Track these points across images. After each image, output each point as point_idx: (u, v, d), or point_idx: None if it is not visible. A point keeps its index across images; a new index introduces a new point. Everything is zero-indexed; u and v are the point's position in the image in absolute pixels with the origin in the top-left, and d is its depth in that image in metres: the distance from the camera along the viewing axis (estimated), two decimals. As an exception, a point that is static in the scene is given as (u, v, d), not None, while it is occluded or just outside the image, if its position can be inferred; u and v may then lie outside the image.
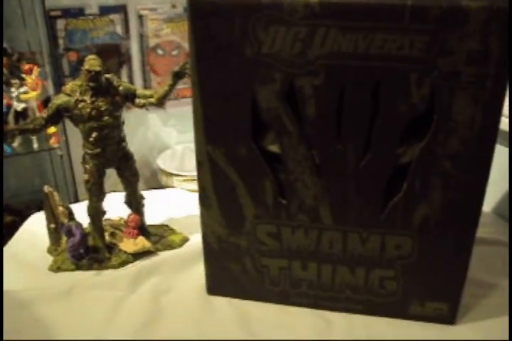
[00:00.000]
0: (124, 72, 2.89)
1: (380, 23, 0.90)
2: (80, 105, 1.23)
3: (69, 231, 1.33)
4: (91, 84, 1.22)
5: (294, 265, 1.15)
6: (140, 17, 2.86)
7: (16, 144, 2.39)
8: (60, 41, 2.67)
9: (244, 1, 0.94)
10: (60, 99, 1.24)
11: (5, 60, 2.43)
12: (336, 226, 1.08)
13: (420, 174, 1.00)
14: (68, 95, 1.24)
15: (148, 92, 1.30)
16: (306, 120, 1.00)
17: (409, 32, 0.89)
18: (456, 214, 1.03)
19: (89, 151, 1.28)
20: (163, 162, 2.92)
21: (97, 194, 1.33)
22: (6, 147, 2.37)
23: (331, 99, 0.97)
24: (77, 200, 2.55)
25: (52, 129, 2.38)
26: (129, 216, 1.39)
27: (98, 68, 1.21)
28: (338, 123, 0.99)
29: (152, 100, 1.28)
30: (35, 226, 1.55)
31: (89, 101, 1.23)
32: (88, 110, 1.23)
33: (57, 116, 1.25)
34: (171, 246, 1.41)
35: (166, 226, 1.49)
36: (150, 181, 3.10)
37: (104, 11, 2.76)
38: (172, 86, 1.28)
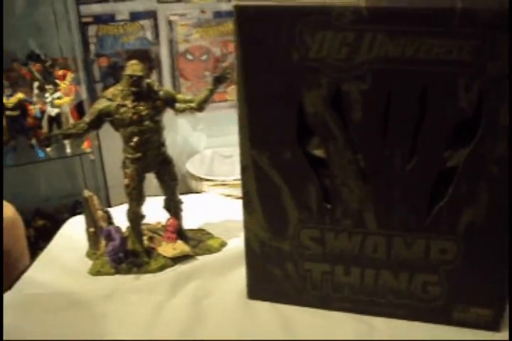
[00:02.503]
0: (153, 77, 2.90)
1: (429, 27, 0.89)
2: (122, 110, 1.24)
3: (108, 235, 1.34)
4: (133, 89, 1.23)
5: (336, 269, 1.14)
6: (170, 22, 2.87)
7: (49, 149, 2.40)
8: (91, 47, 2.68)
9: (291, 6, 0.94)
10: (101, 104, 1.25)
11: (38, 66, 2.45)
12: (380, 231, 1.08)
13: (467, 178, 1.00)
14: (110, 100, 1.25)
15: (188, 97, 1.30)
16: (352, 124, 0.99)
17: (458, 36, 0.89)
18: (501, 219, 1.02)
19: (130, 156, 1.29)
20: (192, 167, 2.93)
21: (136, 198, 1.33)
22: (39, 151, 2.39)
23: (378, 104, 0.97)
24: (109, 205, 2.56)
25: (84, 134, 2.39)
26: (167, 220, 1.39)
27: (140, 73, 1.22)
28: (384, 127, 0.99)
29: (193, 105, 1.29)
30: (73, 230, 1.56)
31: (130, 106, 1.23)
32: (129, 115, 1.24)
33: (98, 121, 1.25)
34: (209, 251, 1.41)
35: (204, 230, 1.49)
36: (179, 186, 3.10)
37: (135, 16, 2.78)
38: (212, 91, 1.28)
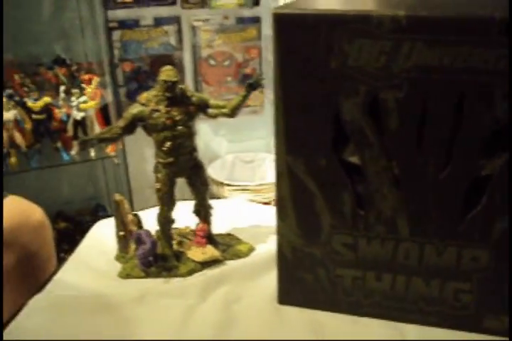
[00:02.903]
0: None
1: (467, 36, 0.90)
2: (155, 115, 1.25)
3: (139, 239, 1.36)
4: (167, 94, 1.24)
5: (368, 275, 1.15)
6: (193, 28, 2.90)
7: (73, 152, 2.43)
8: (115, 52, 2.71)
9: (330, 14, 0.95)
10: (135, 109, 1.26)
11: (64, 70, 2.48)
12: (412, 238, 1.08)
13: (501, 187, 1.00)
14: (143, 105, 1.26)
15: (221, 103, 1.32)
16: (388, 132, 1.00)
17: (495, 45, 0.89)
18: (535, 227, 1.02)
19: (162, 160, 1.30)
20: (213, 171, 2.95)
21: (167, 203, 1.35)
22: (64, 154, 2.41)
23: (414, 112, 0.97)
24: (132, 209, 2.58)
25: (108, 138, 2.41)
26: (197, 225, 1.41)
27: (175, 79, 1.23)
28: (420, 135, 0.99)
29: (225, 111, 1.30)
30: (101, 233, 1.57)
31: (164, 111, 1.25)
32: (163, 120, 1.25)
33: (132, 126, 1.27)
34: (238, 256, 1.42)
35: (232, 235, 1.50)
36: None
37: (159, 22, 2.81)
38: (245, 97, 1.29)
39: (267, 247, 1.45)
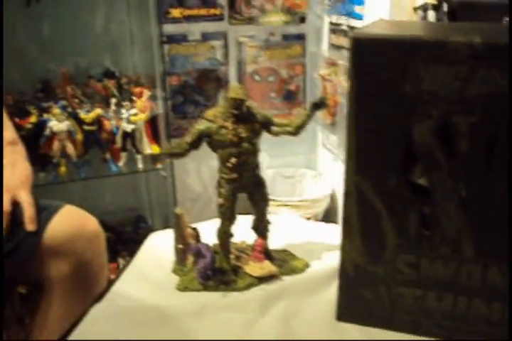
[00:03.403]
0: (220, 96, 2.96)
1: (542, 63, 0.92)
2: (222, 131, 1.28)
3: (198, 253, 1.38)
4: (234, 111, 1.27)
5: (429, 295, 1.16)
6: (239, 44, 2.93)
7: (121, 163, 2.47)
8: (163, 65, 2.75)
9: (407, 39, 0.98)
10: (202, 125, 1.29)
11: (112, 82, 2.52)
12: (476, 259, 1.10)
13: None
14: (210, 121, 1.29)
15: (285, 121, 1.34)
16: (458, 155, 1.02)
17: None
18: None
19: (226, 176, 1.33)
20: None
21: (229, 218, 1.37)
22: (112, 166, 2.45)
23: (485, 136, 0.99)
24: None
25: (156, 150, 2.45)
26: (256, 240, 1.43)
27: (243, 97, 1.26)
28: (488, 157, 1.01)
29: (289, 129, 1.33)
30: (156, 245, 1.60)
31: (230, 128, 1.28)
32: (229, 136, 1.28)
33: (198, 141, 1.30)
34: (293, 271, 1.44)
35: (287, 251, 1.52)
36: (240, 203, 3.15)
37: (206, 37, 2.85)
38: (309, 116, 1.32)
39: (322, 264, 1.47)
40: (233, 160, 1.30)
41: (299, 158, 3.23)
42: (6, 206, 1.30)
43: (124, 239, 2.83)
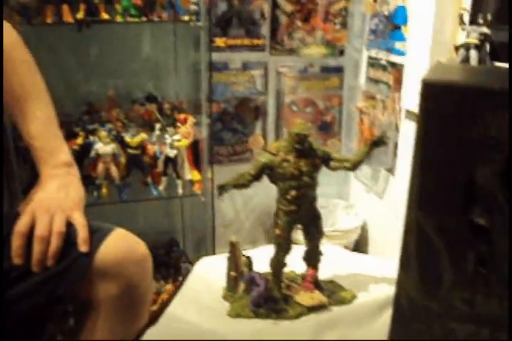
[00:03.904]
0: (258, 125, 3.01)
1: None
2: (284, 164, 1.32)
3: (252, 281, 1.42)
4: (297, 146, 1.32)
5: (483, 331, 1.19)
6: (278, 74, 2.98)
7: (161, 187, 2.52)
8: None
9: (476, 85, 1.02)
10: (265, 158, 1.34)
11: (154, 107, 2.58)
12: (532, 300, 1.12)
13: None
14: (273, 154, 1.34)
15: (343, 157, 1.39)
16: (521, 198, 1.05)
17: None
18: None
19: (284, 208, 1.37)
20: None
21: (284, 248, 1.41)
22: (152, 189, 2.50)
23: (549, 182, 1.03)
24: (213, 246, 2.66)
25: (197, 177, 2.50)
26: (307, 270, 1.47)
27: (307, 132, 1.31)
28: (551, 203, 1.04)
29: (347, 165, 1.37)
30: (205, 271, 1.64)
31: (292, 162, 1.32)
32: (291, 169, 1.32)
33: (261, 173, 1.34)
34: (342, 302, 1.47)
35: (334, 282, 1.56)
36: (270, 232, 3.19)
37: (247, 66, 2.90)
38: (367, 153, 1.36)
39: (369, 295, 1.50)
40: (293, 192, 1.34)
41: (332, 188, 3.27)
42: (61, 226, 1.32)
43: (156, 262, 2.86)
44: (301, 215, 1.37)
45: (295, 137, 1.31)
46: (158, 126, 2.48)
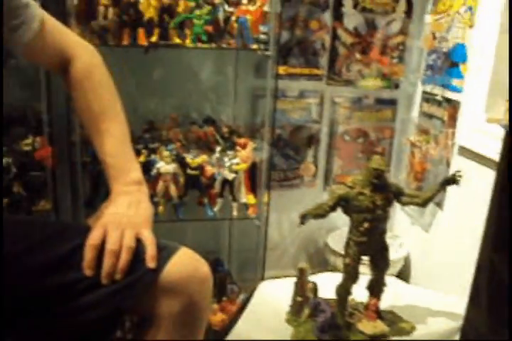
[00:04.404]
0: (310, 153, 3.07)
1: None
2: (360, 197, 1.39)
3: (317, 307, 1.48)
4: (374, 180, 1.38)
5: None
6: (334, 104, 3.05)
7: (216, 209, 2.58)
8: (260, 118, 2.88)
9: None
10: (342, 190, 1.41)
11: (211, 129, 2.66)
12: None
13: None
14: (350, 187, 1.40)
15: (414, 193, 1.45)
16: None
17: None
18: None
19: (356, 239, 1.44)
20: (332, 242, 3.05)
21: (352, 277, 1.47)
22: (208, 210, 2.57)
23: None
24: (263, 268, 2.71)
25: (252, 200, 2.57)
26: (370, 300, 1.52)
27: (384, 168, 1.37)
28: None
29: (418, 200, 1.43)
30: (268, 294, 1.70)
31: (368, 195, 1.38)
32: (366, 203, 1.39)
33: (337, 204, 1.41)
34: (401, 333, 1.53)
35: (393, 312, 1.61)
36: (313, 258, 3.26)
37: (303, 95, 2.97)
38: (438, 191, 1.43)
39: (428, 328, 1.55)
40: (366, 224, 1.41)
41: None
42: (131, 242, 1.36)
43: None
44: (370, 246, 1.44)
45: (373, 172, 1.37)
46: (218, 148, 2.55)
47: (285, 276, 2.99)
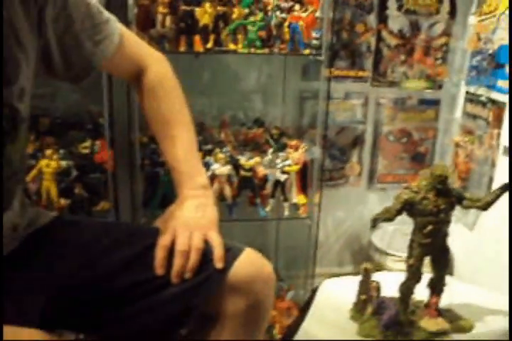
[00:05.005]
0: (355, 153, 3.14)
1: None
2: (424, 202, 1.46)
3: (382, 304, 1.55)
4: (438, 185, 1.46)
5: None
6: (378, 105, 3.11)
7: (268, 209, 2.66)
8: (305, 119, 2.96)
9: None
10: (407, 195, 1.48)
11: (261, 130, 2.74)
12: None
13: None
14: (415, 192, 1.48)
15: (475, 197, 1.52)
16: None
17: None
18: None
19: (420, 240, 1.51)
20: (376, 240, 3.12)
21: (416, 277, 1.55)
22: (260, 210, 2.64)
23: None
24: (313, 267, 2.79)
25: (303, 200, 2.64)
26: (431, 298, 1.59)
27: (448, 174, 1.45)
28: None
29: (479, 204, 1.50)
30: (330, 292, 1.78)
31: (432, 200, 1.46)
32: (430, 207, 1.46)
33: (403, 208, 1.49)
34: (461, 330, 1.60)
35: (451, 310, 1.68)
36: (357, 255, 3.33)
37: (348, 96, 3.03)
38: (499, 196, 1.49)
39: (486, 327, 1.62)
40: (430, 227, 1.48)
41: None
42: (200, 243, 1.42)
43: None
44: (433, 248, 1.51)
45: (437, 178, 1.45)
46: (270, 150, 2.62)
47: (331, 274, 3.09)
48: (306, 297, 2.48)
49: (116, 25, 1.48)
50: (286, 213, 2.68)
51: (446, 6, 3.06)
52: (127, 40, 1.50)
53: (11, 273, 1.33)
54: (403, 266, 2.90)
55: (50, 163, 2.33)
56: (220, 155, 2.51)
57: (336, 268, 3.38)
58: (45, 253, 1.40)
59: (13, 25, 1.22)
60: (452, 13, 3.07)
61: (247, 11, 2.43)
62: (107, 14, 1.46)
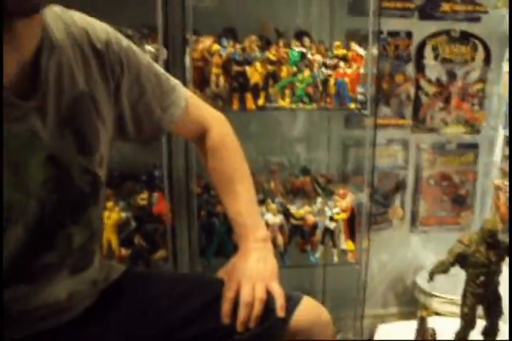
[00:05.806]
0: (397, 198, 3.24)
1: None
2: (476, 254, 1.58)
3: (440, 351, 1.66)
4: (489, 239, 1.57)
5: None
6: (418, 149, 3.21)
7: (317, 255, 2.76)
8: (349, 166, 3.08)
9: None
10: (459, 248, 1.60)
11: (308, 179, 2.85)
12: None
13: None
14: (466, 246, 1.59)
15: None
16: None
17: None
18: None
19: (472, 290, 1.62)
20: (421, 281, 3.19)
21: (470, 325, 1.66)
22: (311, 257, 2.74)
23: None
24: (362, 310, 2.88)
25: (351, 246, 2.75)
26: (485, 344, 1.69)
27: (498, 229, 1.56)
28: None
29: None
30: (387, 336, 1.87)
31: (483, 252, 1.57)
32: (482, 259, 1.58)
33: (456, 261, 1.60)
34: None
35: (503, 355, 1.77)
36: (401, 296, 3.41)
37: (390, 142, 3.15)
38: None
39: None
40: (482, 278, 1.59)
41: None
42: (263, 294, 1.51)
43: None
44: (485, 297, 1.62)
45: (487, 232, 1.56)
46: (319, 199, 2.74)
47: (376, 315, 3.18)
48: (355, 338, 2.57)
49: (182, 90, 1.59)
50: (336, 259, 2.77)
51: (480, 54, 3.18)
52: (192, 104, 1.61)
53: (87, 329, 1.43)
54: (448, 307, 3.01)
55: (110, 215, 2.43)
56: (272, 206, 2.62)
57: (381, 310, 3.45)
58: (118, 310, 1.50)
59: (95, 98, 1.34)
60: (487, 60, 3.19)
61: (295, 69, 2.56)
62: (173, 80, 1.58)
